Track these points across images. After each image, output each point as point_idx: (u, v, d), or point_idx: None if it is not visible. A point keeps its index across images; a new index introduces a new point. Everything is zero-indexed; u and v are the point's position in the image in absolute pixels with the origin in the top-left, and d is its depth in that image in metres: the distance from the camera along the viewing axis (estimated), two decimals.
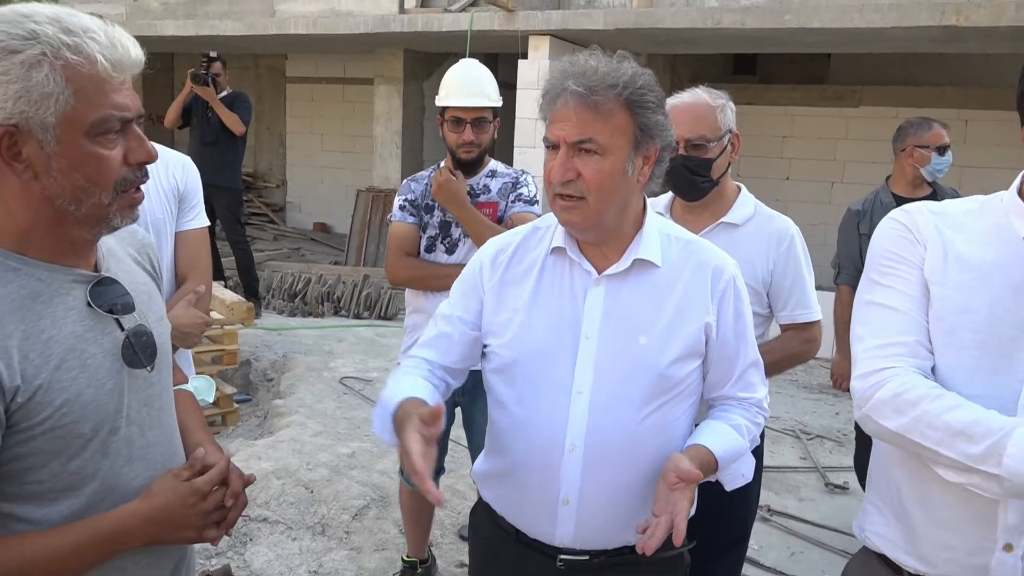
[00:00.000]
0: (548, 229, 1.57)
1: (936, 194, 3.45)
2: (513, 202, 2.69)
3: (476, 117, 2.62)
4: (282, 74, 12.06)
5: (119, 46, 1.07)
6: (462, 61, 2.79)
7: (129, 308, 1.21)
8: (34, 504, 1.11)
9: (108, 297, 1.18)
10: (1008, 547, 1.23)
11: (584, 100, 1.37)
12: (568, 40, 7.57)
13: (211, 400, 1.70)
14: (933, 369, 1.29)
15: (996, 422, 1.15)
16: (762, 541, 3.50)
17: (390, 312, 6.98)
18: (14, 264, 1.09)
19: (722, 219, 2.17)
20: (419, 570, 2.97)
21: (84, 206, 1.09)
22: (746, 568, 3.16)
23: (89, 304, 1.15)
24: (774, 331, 2.28)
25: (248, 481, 1.32)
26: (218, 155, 6.17)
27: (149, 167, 1.16)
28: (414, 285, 2.72)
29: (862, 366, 1.32)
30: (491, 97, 2.68)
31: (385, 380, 4.79)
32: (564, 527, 1.49)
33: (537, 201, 2.73)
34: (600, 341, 1.46)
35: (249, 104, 6.41)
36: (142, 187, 1.16)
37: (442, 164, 2.74)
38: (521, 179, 2.75)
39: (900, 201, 3.46)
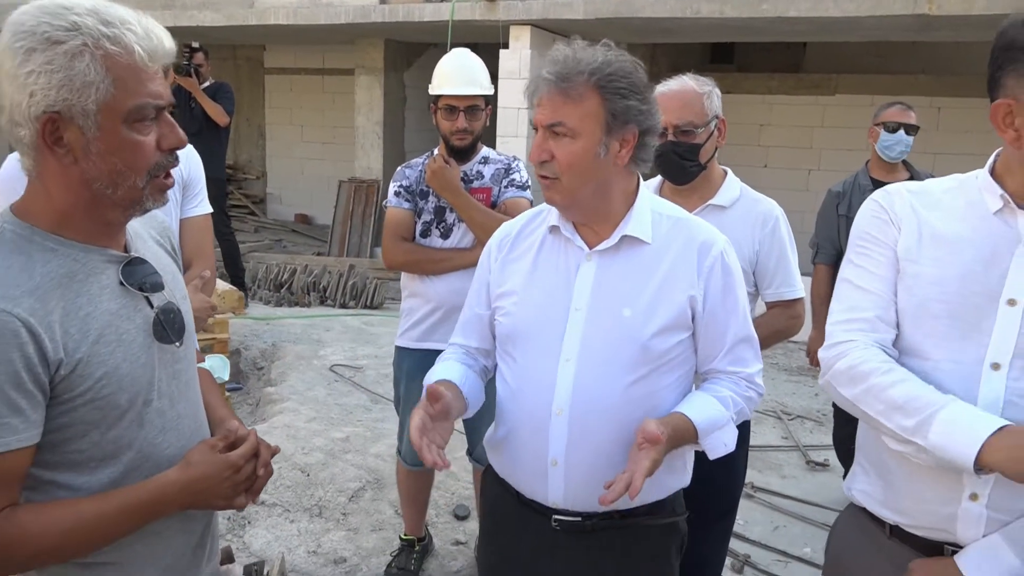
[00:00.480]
0: (549, 211, 1.66)
1: (913, 179, 3.53)
2: (506, 187, 2.76)
3: (469, 105, 2.68)
4: (260, 65, 12.00)
5: (154, 37, 1.13)
6: (455, 50, 2.85)
7: (158, 287, 1.27)
8: (75, 472, 1.18)
9: (138, 276, 1.24)
10: (974, 496, 1.33)
11: (556, 87, 1.48)
12: (549, 30, 7.62)
13: (226, 378, 1.77)
14: (898, 340, 1.41)
15: (930, 398, 1.29)
16: (747, 516, 3.61)
17: (376, 301, 7.03)
18: (52, 245, 1.15)
19: (710, 201, 2.26)
20: (417, 548, 3.05)
21: (120, 189, 1.15)
22: (732, 542, 3.27)
23: (122, 283, 1.21)
24: (759, 310, 2.38)
25: (274, 452, 1.39)
26: (202, 146, 6.07)
27: None
28: (410, 269, 2.78)
29: (828, 338, 1.47)
30: (483, 85, 2.74)
31: (375, 367, 4.83)
32: (554, 487, 1.58)
33: (529, 186, 2.80)
34: (588, 313, 1.56)
35: (232, 94, 6.42)
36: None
37: (435, 152, 2.80)
38: (513, 165, 2.82)
39: (876, 184, 3.56)
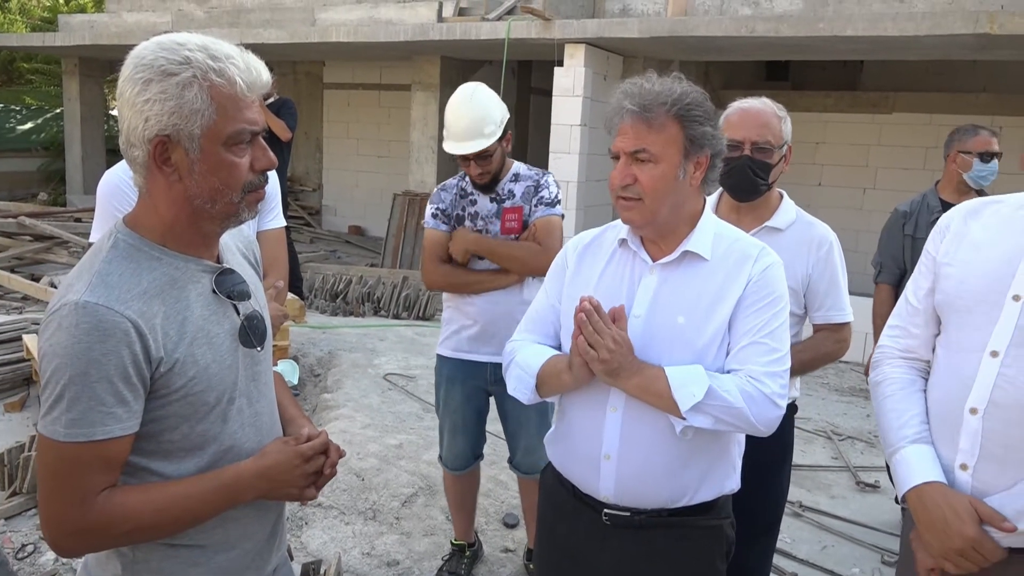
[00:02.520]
0: (621, 226, 1.78)
1: None
2: (536, 206, 2.81)
3: (478, 154, 2.71)
4: (319, 80, 12.34)
5: (253, 70, 1.25)
6: (460, 94, 2.80)
7: (245, 295, 1.39)
8: (166, 460, 1.29)
9: (228, 285, 1.36)
10: (963, 466, 1.51)
11: (639, 116, 1.60)
12: (603, 48, 7.72)
13: (295, 382, 1.89)
14: (940, 334, 1.63)
15: (896, 436, 1.61)
16: (794, 535, 3.61)
17: (428, 313, 7.17)
18: (157, 254, 1.28)
19: (766, 223, 2.30)
20: (467, 553, 3.13)
21: (218, 204, 1.27)
22: (779, 560, 3.29)
23: (214, 291, 1.33)
24: (807, 332, 2.41)
25: (341, 455, 1.50)
26: None
27: None
28: (449, 290, 2.90)
29: (880, 337, 1.77)
30: (488, 133, 2.72)
31: (427, 377, 4.90)
32: (606, 481, 1.68)
33: (559, 201, 2.85)
34: (646, 319, 1.67)
35: (295, 111, 6.61)
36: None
37: (465, 174, 2.87)
38: (542, 181, 2.85)
39: (946, 206, 3.53)
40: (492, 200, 2.83)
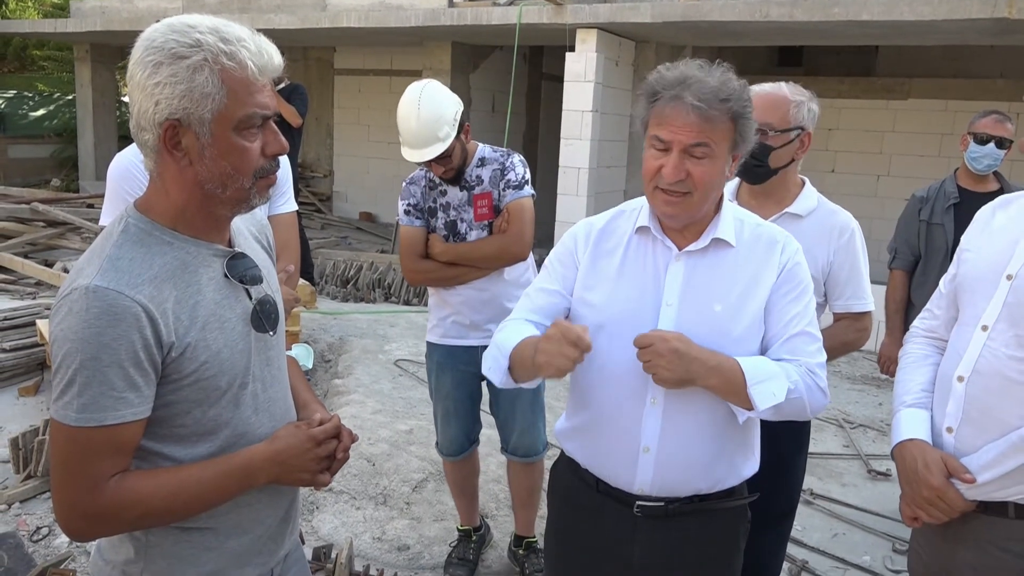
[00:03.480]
0: (634, 211, 1.74)
1: (1003, 190, 3.35)
2: (504, 190, 2.79)
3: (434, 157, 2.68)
4: (330, 66, 12.30)
5: (264, 53, 1.24)
6: (408, 99, 2.72)
7: (257, 280, 1.39)
8: (179, 445, 1.30)
9: (240, 269, 1.36)
10: (949, 429, 1.65)
11: (699, 112, 1.54)
12: (615, 33, 7.65)
13: (310, 366, 1.88)
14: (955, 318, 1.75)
15: (899, 401, 1.77)
16: (806, 523, 3.60)
17: None
18: (168, 238, 1.27)
19: (787, 209, 2.28)
20: (474, 538, 3.14)
21: (229, 189, 1.26)
22: (791, 547, 3.28)
23: (226, 275, 1.33)
24: (826, 321, 2.38)
25: (354, 439, 1.50)
26: None
27: None
28: (430, 284, 2.92)
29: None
30: (444, 137, 2.67)
31: None
32: (643, 474, 1.66)
33: (527, 182, 2.83)
34: (680, 308, 1.64)
35: (306, 96, 6.59)
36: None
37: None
38: (507, 163, 2.82)
39: (963, 193, 3.46)
40: (462, 188, 2.82)
